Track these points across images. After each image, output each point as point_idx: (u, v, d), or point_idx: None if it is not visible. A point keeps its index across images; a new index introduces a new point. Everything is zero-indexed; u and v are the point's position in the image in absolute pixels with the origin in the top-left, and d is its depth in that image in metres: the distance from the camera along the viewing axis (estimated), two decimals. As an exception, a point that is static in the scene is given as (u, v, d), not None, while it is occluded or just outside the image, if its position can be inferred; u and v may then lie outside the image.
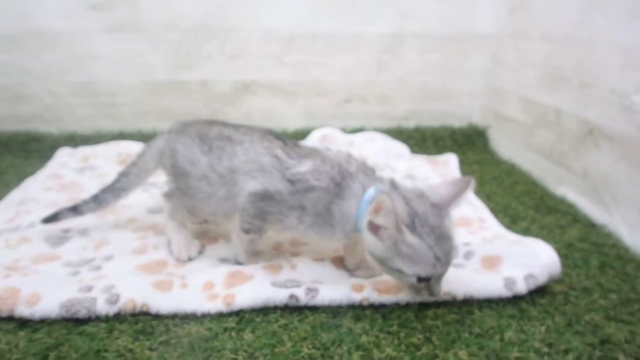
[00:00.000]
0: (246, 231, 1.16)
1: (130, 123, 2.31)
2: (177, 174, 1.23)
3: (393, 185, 1.05)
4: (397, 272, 0.98)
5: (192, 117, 2.25)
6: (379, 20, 2.26)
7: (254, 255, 1.22)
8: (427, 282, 0.99)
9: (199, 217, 1.34)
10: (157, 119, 2.33)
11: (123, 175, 1.34)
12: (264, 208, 1.11)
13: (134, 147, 1.99)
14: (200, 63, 2.27)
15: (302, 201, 1.08)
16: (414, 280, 0.98)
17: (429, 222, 0.96)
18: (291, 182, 1.09)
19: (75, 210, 1.33)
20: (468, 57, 2.36)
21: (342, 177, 1.07)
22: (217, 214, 1.23)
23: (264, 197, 1.10)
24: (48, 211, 1.34)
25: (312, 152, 1.13)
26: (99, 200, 1.33)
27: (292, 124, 2.34)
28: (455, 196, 1.01)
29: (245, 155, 1.14)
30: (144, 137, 2.20)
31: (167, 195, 1.31)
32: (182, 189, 1.23)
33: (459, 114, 2.45)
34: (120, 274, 1.16)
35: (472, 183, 1.03)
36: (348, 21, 2.25)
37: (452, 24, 2.28)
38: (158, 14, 2.17)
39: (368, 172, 1.10)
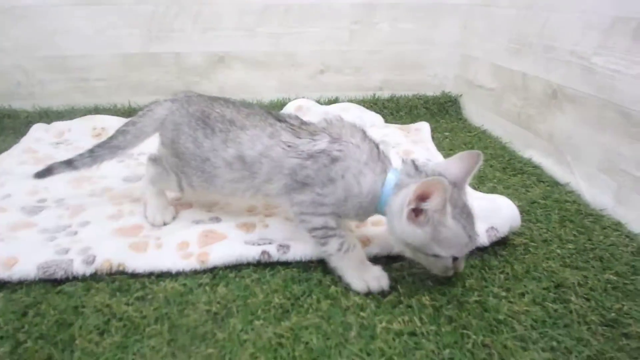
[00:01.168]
0: (324, 241, 1.05)
1: (105, 98, 2.30)
2: (179, 152, 1.19)
3: (416, 167, 1.02)
4: (432, 257, 0.96)
5: (166, 91, 2.30)
6: (350, -10, 2.27)
7: (360, 265, 1.06)
8: (456, 260, 0.98)
9: (198, 194, 1.30)
10: (132, 92, 2.32)
11: (121, 133, 1.29)
12: (305, 199, 1.05)
13: (109, 121, 2.00)
14: (174, 36, 2.26)
15: (331, 174, 1.02)
16: (449, 262, 0.97)
17: (458, 203, 0.95)
18: (312, 157, 1.04)
19: (69, 164, 1.29)
20: (440, 27, 2.39)
21: (369, 148, 1.05)
22: (224, 193, 1.20)
23: (299, 187, 1.06)
24: (23, 184, 1.34)
25: (324, 127, 1.09)
26: (94, 156, 1.29)
27: (267, 96, 2.36)
28: (468, 173, 1.02)
29: (251, 145, 1.10)
30: (119, 112, 2.21)
31: (154, 160, 1.29)
32: (182, 166, 1.21)
33: (432, 83, 2.49)
34: (96, 237, 1.18)
35: (481, 157, 1.03)
36: (320, -9, 2.26)
37: (423, -8, 2.31)
38: (129, -14, 2.15)
39: (382, 153, 1.07)
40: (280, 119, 1.14)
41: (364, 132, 1.09)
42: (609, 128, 1.35)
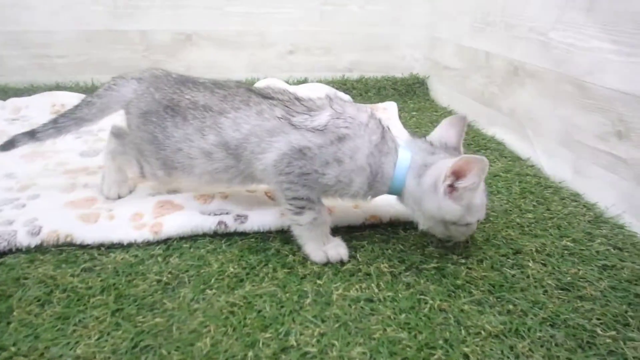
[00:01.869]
0: (299, 211, 1.01)
1: (67, 75, 2.22)
2: (145, 140, 1.12)
3: (431, 143, 1.02)
4: (464, 226, 0.97)
5: (132, 70, 2.23)
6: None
7: (323, 238, 1.03)
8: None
9: (163, 183, 1.22)
10: (95, 70, 2.25)
11: (86, 104, 1.19)
12: (297, 171, 0.97)
13: (69, 98, 1.94)
14: (140, 13, 2.19)
15: (338, 154, 0.96)
16: (475, 224, 0.99)
17: None
18: (318, 132, 0.97)
19: (32, 135, 1.21)
20: (409, 9, 2.38)
21: (377, 126, 1.00)
22: (203, 183, 1.13)
23: (292, 157, 0.97)
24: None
25: (324, 102, 1.03)
26: (59, 127, 1.20)
27: (236, 76, 2.32)
28: (461, 136, 1.04)
29: (236, 127, 1.02)
30: (81, 90, 2.14)
31: (117, 134, 1.22)
32: (147, 155, 1.14)
33: (401, 65, 2.49)
34: (45, 208, 1.14)
35: (467, 120, 1.07)
36: (291, -29, 2.24)
37: (393, -26, 2.30)
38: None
39: (390, 131, 1.05)
40: (266, 96, 1.05)
41: (370, 111, 1.03)
42: (566, 101, 1.37)
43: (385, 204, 1.15)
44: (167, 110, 1.08)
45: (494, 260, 1.01)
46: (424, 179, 0.96)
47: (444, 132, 1.05)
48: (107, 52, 2.23)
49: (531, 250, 1.05)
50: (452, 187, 0.93)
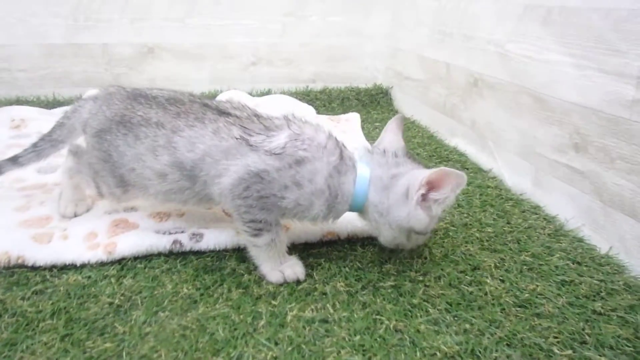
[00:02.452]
0: (257, 233, 0.97)
1: (27, 89, 2.19)
2: (100, 159, 1.08)
3: (396, 156, 1.01)
4: (423, 235, 1.00)
5: (94, 83, 2.21)
6: (282, -16, 2.25)
7: (280, 258, 1.00)
8: None
9: (124, 199, 1.16)
10: (56, 84, 2.22)
11: (59, 126, 1.19)
12: (255, 194, 0.94)
13: (27, 112, 1.90)
14: (101, 26, 2.18)
15: (296, 177, 0.94)
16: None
17: None
18: (276, 156, 0.94)
19: (15, 161, 1.21)
20: (370, 19, 2.40)
21: (335, 147, 0.98)
22: (159, 201, 1.09)
23: (250, 182, 0.94)
24: None
25: (281, 122, 1.00)
26: (38, 150, 1.20)
27: (199, 88, 2.30)
28: (401, 138, 1.07)
29: (191, 147, 0.98)
30: (42, 104, 2.11)
31: (74, 153, 1.18)
32: (103, 175, 1.10)
33: (364, 75, 2.50)
34: (-2, 229, 1.10)
35: (402, 117, 1.12)
36: (251, -16, 2.23)
37: (352, -14, 2.32)
38: (51, -26, 2.06)
39: (346, 148, 1.03)
40: (223, 111, 1.02)
41: (328, 131, 1.01)
42: (525, 113, 1.38)
43: (343, 221, 1.13)
44: (119, 127, 1.05)
45: (451, 277, 1.00)
46: (394, 189, 0.96)
47: (393, 136, 1.06)
48: (68, 66, 2.20)
49: (490, 266, 1.04)
50: (423, 197, 0.93)
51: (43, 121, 1.86)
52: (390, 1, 2.34)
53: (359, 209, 1.00)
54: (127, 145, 1.03)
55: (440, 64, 1.86)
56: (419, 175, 0.93)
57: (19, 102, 2.11)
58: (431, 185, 0.92)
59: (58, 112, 1.98)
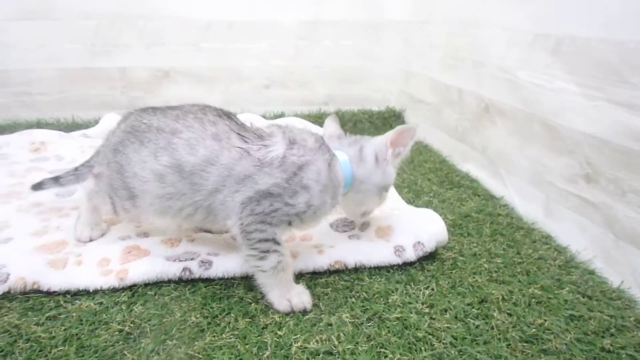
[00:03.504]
0: (264, 254, 0.99)
1: (47, 112, 2.24)
2: (113, 171, 1.11)
3: (346, 136, 1.18)
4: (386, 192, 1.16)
5: (111, 106, 2.26)
6: (294, 8, 2.29)
7: (287, 285, 1.01)
8: None
9: (134, 218, 1.20)
10: (75, 107, 2.27)
11: (96, 153, 1.26)
12: (268, 209, 0.98)
13: (48, 135, 1.94)
14: (118, 51, 2.23)
15: (303, 181, 0.99)
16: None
17: None
18: (279, 167, 0.99)
19: (56, 180, 1.33)
20: (382, 43, 2.42)
21: (322, 144, 1.07)
22: (152, 211, 1.09)
23: (260, 198, 0.98)
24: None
25: (272, 130, 1.06)
26: (77, 174, 1.30)
27: (212, 110, 2.33)
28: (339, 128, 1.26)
29: (190, 150, 1.01)
30: (62, 126, 2.15)
31: (96, 176, 1.21)
32: (116, 188, 1.12)
33: (377, 98, 2.51)
34: (15, 253, 1.11)
35: (335, 115, 1.28)
36: (263, 9, 2.27)
37: (364, 11, 2.35)
38: (72, 2, 2.11)
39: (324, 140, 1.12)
40: (224, 115, 1.07)
41: (310, 131, 1.10)
42: (536, 141, 1.37)
43: (350, 249, 1.14)
44: (129, 137, 1.09)
45: (458, 310, 0.99)
46: (366, 159, 1.10)
47: (335, 126, 1.25)
48: (86, 89, 2.25)
49: (497, 298, 1.03)
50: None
51: (62, 144, 1.90)
52: (402, 25, 2.36)
53: (348, 187, 1.10)
54: (134, 152, 1.07)
55: (452, 88, 1.86)
56: (382, 140, 1.10)
57: (39, 124, 2.16)
58: (393, 144, 1.10)
59: (76, 135, 2.02)
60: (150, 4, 2.18)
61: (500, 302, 1.02)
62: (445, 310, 0.99)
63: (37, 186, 1.35)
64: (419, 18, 2.18)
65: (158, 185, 1.04)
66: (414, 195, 1.55)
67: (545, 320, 0.97)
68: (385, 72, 2.47)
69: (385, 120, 2.40)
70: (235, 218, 1.00)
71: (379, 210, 1.35)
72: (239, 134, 1.03)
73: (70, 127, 2.17)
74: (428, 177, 1.71)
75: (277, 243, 1.00)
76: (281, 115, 2.36)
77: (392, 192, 1.51)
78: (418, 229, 1.18)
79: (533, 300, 1.03)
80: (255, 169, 0.99)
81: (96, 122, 2.18)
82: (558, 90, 1.27)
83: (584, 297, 1.05)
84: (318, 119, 2.34)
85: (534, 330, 0.94)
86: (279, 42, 2.33)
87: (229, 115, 1.08)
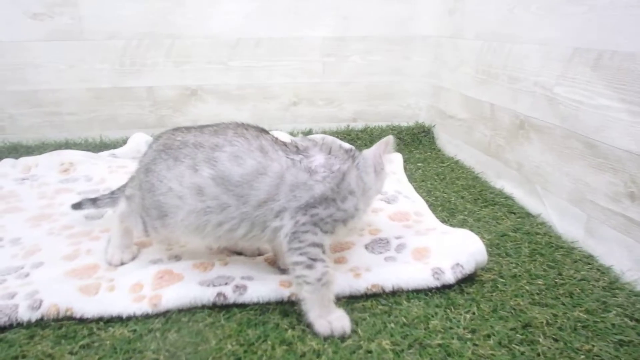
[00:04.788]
0: (312, 262, 0.99)
1: (76, 132, 2.28)
2: (145, 190, 1.12)
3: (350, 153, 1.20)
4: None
5: (139, 125, 2.28)
6: (322, 24, 2.29)
7: (329, 304, 1.00)
8: None
9: (163, 237, 1.20)
10: (103, 127, 2.30)
11: (130, 179, 1.27)
12: (323, 213, 1.03)
13: (76, 156, 1.96)
14: (146, 70, 2.25)
15: (350, 187, 1.07)
16: None
17: None
18: (328, 176, 1.05)
19: (94, 202, 1.39)
20: (411, 58, 2.40)
21: (353, 153, 1.14)
22: (185, 228, 1.08)
23: (316, 203, 1.03)
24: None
25: (307, 143, 1.12)
26: (114, 198, 1.35)
27: (240, 128, 2.33)
28: None
29: (237, 162, 1.02)
30: (90, 146, 2.18)
31: (128, 198, 1.22)
32: (147, 207, 1.12)
33: (406, 113, 2.49)
34: (47, 279, 1.12)
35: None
36: (291, 26, 2.28)
37: (393, 26, 2.34)
38: (100, 23, 2.15)
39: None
40: (262, 131, 1.11)
41: (339, 142, 1.19)
42: (575, 158, 1.33)
43: (387, 272, 1.11)
44: (161, 154, 1.10)
45: (501, 336, 0.96)
46: (367, 170, 1.14)
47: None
48: (114, 109, 2.28)
49: (542, 322, 0.99)
50: None
51: (90, 164, 1.92)
52: (431, 40, 2.34)
53: None
54: (167, 169, 1.07)
55: (484, 104, 1.83)
56: (375, 152, 1.17)
57: (67, 144, 2.19)
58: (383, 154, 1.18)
59: (105, 155, 2.04)
60: (178, 23, 2.20)
61: (545, 327, 0.99)
62: (489, 336, 0.96)
63: (77, 206, 1.41)
64: (448, 33, 2.16)
65: (196, 200, 1.04)
66: (448, 214, 1.52)
67: (594, 346, 0.93)
68: (414, 88, 2.46)
69: (414, 137, 2.37)
70: (290, 221, 1.02)
71: (416, 231, 1.33)
72: (281, 145, 1.07)
73: (98, 147, 2.19)
74: (461, 194, 1.68)
75: (324, 252, 1.02)
76: (309, 132, 2.36)
77: (427, 211, 1.48)
78: (456, 250, 1.15)
79: (579, 324, 0.99)
80: (307, 177, 1.03)
81: (124, 141, 2.20)
82: (599, 107, 1.23)
83: (632, 321, 1.00)
84: (346, 135, 2.33)
85: (582, 356, 0.90)
86: (307, 58, 2.33)
87: (266, 131, 1.11)
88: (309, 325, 0.98)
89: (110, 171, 1.88)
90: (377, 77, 2.41)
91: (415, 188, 1.72)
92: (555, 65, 1.39)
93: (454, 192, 1.71)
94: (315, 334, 0.97)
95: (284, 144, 1.09)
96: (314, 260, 0.99)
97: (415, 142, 2.35)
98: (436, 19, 2.27)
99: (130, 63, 2.23)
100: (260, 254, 1.26)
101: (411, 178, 1.84)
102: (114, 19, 2.15)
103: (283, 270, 1.16)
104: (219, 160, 1.03)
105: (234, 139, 1.05)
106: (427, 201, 1.60)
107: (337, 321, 0.97)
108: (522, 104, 1.57)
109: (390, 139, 1.18)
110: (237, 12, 2.22)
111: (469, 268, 1.12)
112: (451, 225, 1.42)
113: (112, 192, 1.36)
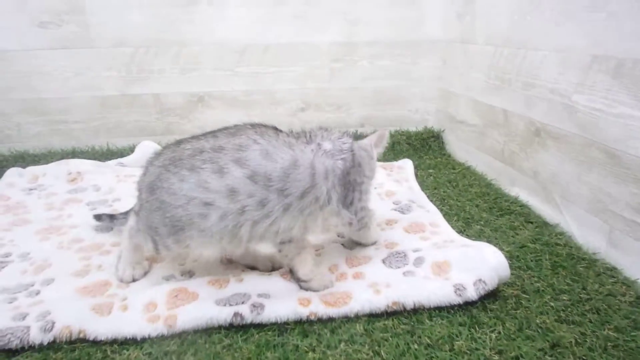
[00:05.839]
0: (366, 223, 1.26)
1: (83, 140, 2.26)
2: (154, 208, 1.08)
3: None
4: None
5: (146, 132, 2.26)
6: (329, 30, 2.26)
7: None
8: None
9: (175, 254, 1.18)
10: (110, 134, 2.28)
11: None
12: (353, 180, 1.19)
13: (84, 165, 1.94)
14: (153, 77, 2.23)
15: (360, 167, 1.21)
16: None
17: None
18: (343, 155, 1.16)
19: (112, 218, 1.44)
20: (419, 63, 2.37)
21: (348, 134, 1.24)
22: (214, 234, 1.06)
23: (345, 182, 1.16)
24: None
25: (312, 132, 1.20)
26: (128, 216, 1.31)
27: (248, 134, 2.31)
28: None
29: (271, 159, 1.04)
30: (97, 154, 2.16)
31: (136, 212, 1.18)
32: (156, 226, 1.10)
33: (414, 118, 2.46)
34: (58, 298, 1.09)
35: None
36: (299, 31, 2.25)
37: (402, 30, 2.30)
38: (107, 30, 2.12)
39: None
40: (275, 128, 1.15)
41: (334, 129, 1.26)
42: (595, 167, 1.30)
43: (408, 288, 1.08)
44: (169, 168, 1.07)
45: (530, 357, 0.93)
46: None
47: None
48: (121, 116, 2.26)
49: (570, 342, 0.96)
50: None
51: (98, 174, 1.89)
52: (439, 44, 2.31)
53: None
54: (180, 182, 1.04)
55: (497, 109, 1.80)
56: (368, 142, 1.30)
57: (74, 152, 2.17)
58: (376, 145, 1.31)
59: (112, 164, 2.02)
60: (185, 30, 2.17)
61: (574, 347, 0.96)
62: (517, 358, 0.93)
63: (98, 217, 1.46)
64: (458, 37, 2.13)
65: (228, 202, 1.03)
66: (464, 223, 1.49)
67: (626, 368, 0.90)
68: (423, 92, 2.43)
69: (424, 141, 2.34)
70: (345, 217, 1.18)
71: (433, 243, 1.30)
72: (298, 138, 1.14)
73: (105, 154, 2.17)
74: (476, 202, 1.65)
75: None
76: (317, 138, 2.33)
77: (442, 222, 1.45)
78: (477, 264, 1.12)
79: (609, 344, 0.96)
80: (331, 162, 1.12)
81: (131, 149, 2.18)
82: (621, 116, 1.20)
83: (663, 340, 0.98)
84: (355, 140, 2.30)
85: (615, 379, 0.88)
86: (314, 64, 2.31)
87: (279, 129, 1.16)
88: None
89: (119, 180, 1.86)
90: (385, 81, 2.38)
91: (428, 196, 1.69)
92: (574, 73, 1.36)
93: (468, 200, 1.68)
94: (337, 358, 0.94)
95: (298, 135, 1.16)
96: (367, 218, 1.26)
97: (425, 147, 2.33)
98: (445, 23, 2.25)
99: (138, 70, 2.21)
100: (274, 269, 1.24)
101: (423, 185, 1.81)
102: (122, 26, 2.12)
103: (300, 285, 1.14)
104: (251, 159, 1.03)
105: (257, 138, 1.07)
106: (441, 210, 1.57)
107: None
108: (538, 111, 1.54)
109: (384, 133, 1.33)
110: (244, 18, 2.19)
111: (491, 284, 1.09)
112: (468, 235, 1.39)
113: (127, 212, 1.35)
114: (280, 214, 1.05)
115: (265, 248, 1.22)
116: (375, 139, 1.31)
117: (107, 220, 1.44)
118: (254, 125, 1.12)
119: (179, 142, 1.13)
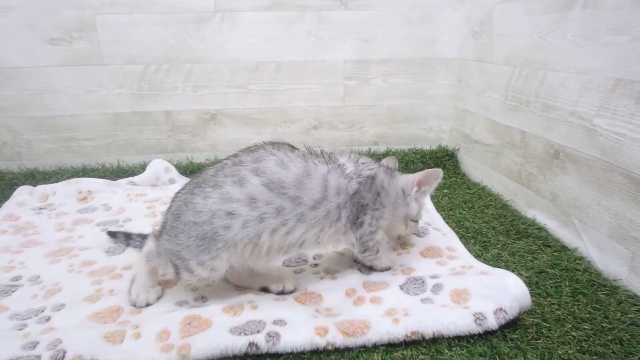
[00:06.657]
0: (376, 250, 1.26)
1: (93, 157, 2.27)
2: (177, 234, 1.10)
3: (395, 174, 1.36)
4: (415, 222, 1.39)
5: (157, 150, 2.26)
6: (343, 47, 2.26)
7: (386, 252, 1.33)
8: None
9: (198, 279, 1.14)
10: (121, 152, 2.28)
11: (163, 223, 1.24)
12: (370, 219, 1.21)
13: (94, 184, 1.93)
14: (165, 94, 2.23)
15: (377, 190, 1.22)
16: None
17: None
18: (363, 180, 1.19)
19: (127, 237, 1.47)
20: (434, 81, 2.36)
21: (376, 162, 1.29)
22: (240, 241, 1.08)
23: (358, 205, 1.19)
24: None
25: (334, 155, 1.23)
26: (144, 241, 1.32)
27: (260, 153, 2.30)
28: None
29: (285, 168, 1.11)
30: (108, 171, 2.15)
31: (156, 237, 1.19)
32: (178, 251, 1.11)
33: (428, 137, 2.45)
34: (69, 325, 1.08)
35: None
36: (312, 49, 2.25)
37: (416, 48, 2.30)
38: (119, 48, 2.13)
39: None
40: (291, 145, 1.21)
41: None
42: (617, 193, 1.27)
43: (427, 318, 1.06)
44: (193, 192, 1.11)
45: (554, 391, 0.90)
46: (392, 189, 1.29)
47: (392, 163, 1.45)
48: (132, 134, 2.26)
49: (595, 375, 0.94)
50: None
51: (109, 192, 1.89)
52: (455, 63, 2.30)
53: None
54: (204, 199, 1.08)
55: (514, 130, 1.78)
56: (412, 178, 1.32)
57: (85, 170, 2.18)
58: (420, 183, 1.31)
59: (123, 183, 2.01)
60: (198, 48, 2.18)
61: (599, 381, 0.93)
62: (540, 392, 0.90)
63: (112, 234, 1.50)
64: (474, 56, 2.11)
65: (249, 209, 1.07)
66: (481, 247, 1.47)
67: (655, 406, 0.87)
68: (437, 111, 2.41)
69: (438, 160, 2.32)
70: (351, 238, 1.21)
71: (451, 269, 1.27)
72: (316, 156, 1.18)
73: (115, 172, 2.17)
74: (492, 225, 1.62)
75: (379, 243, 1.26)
76: (330, 156, 2.32)
77: (459, 246, 1.43)
78: (498, 292, 1.09)
79: (635, 377, 0.94)
80: (346, 182, 1.17)
81: (142, 167, 2.18)
82: (644, 141, 1.18)
83: (690, 374, 0.94)
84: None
85: (644, 418, 0.84)
86: (328, 82, 2.30)
87: (296, 147, 1.21)
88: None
89: (129, 200, 1.85)
90: (399, 99, 2.37)
91: (443, 217, 1.67)
92: (595, 96, 1.33)
93: (484, 222, 1.65)
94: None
95: (317, 155, 1.19)
96: (377, 248, 1.26)
97: (439, 166, 2.30)
98: (460, 41, 2.23)
99: (149, 87, 2.21)
100: (290, 292, 1.22)
101: (438, 206, 1.78)
102: (133, 43, 2.14)
103: (317, 310, 1.12)
104: (267, 167, 1.10)
105: (273, 151, 1.14)
106: (457, 232, 1.54)
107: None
108: (557, 133, 1.52)
109: (433, 172, 1.32)
110: (257, 35, 2.19)
111: (512, 313, 1.06)
112: (485, 260, 1.36)
113: (144, 236, 1.37)
114: (295, 223, 1.10)
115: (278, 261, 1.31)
116: (422, 176, 1.32)
117: (122, 239, 1.46)
118: (272, 143, 1.19)
119: (200, 172, 1.18)
